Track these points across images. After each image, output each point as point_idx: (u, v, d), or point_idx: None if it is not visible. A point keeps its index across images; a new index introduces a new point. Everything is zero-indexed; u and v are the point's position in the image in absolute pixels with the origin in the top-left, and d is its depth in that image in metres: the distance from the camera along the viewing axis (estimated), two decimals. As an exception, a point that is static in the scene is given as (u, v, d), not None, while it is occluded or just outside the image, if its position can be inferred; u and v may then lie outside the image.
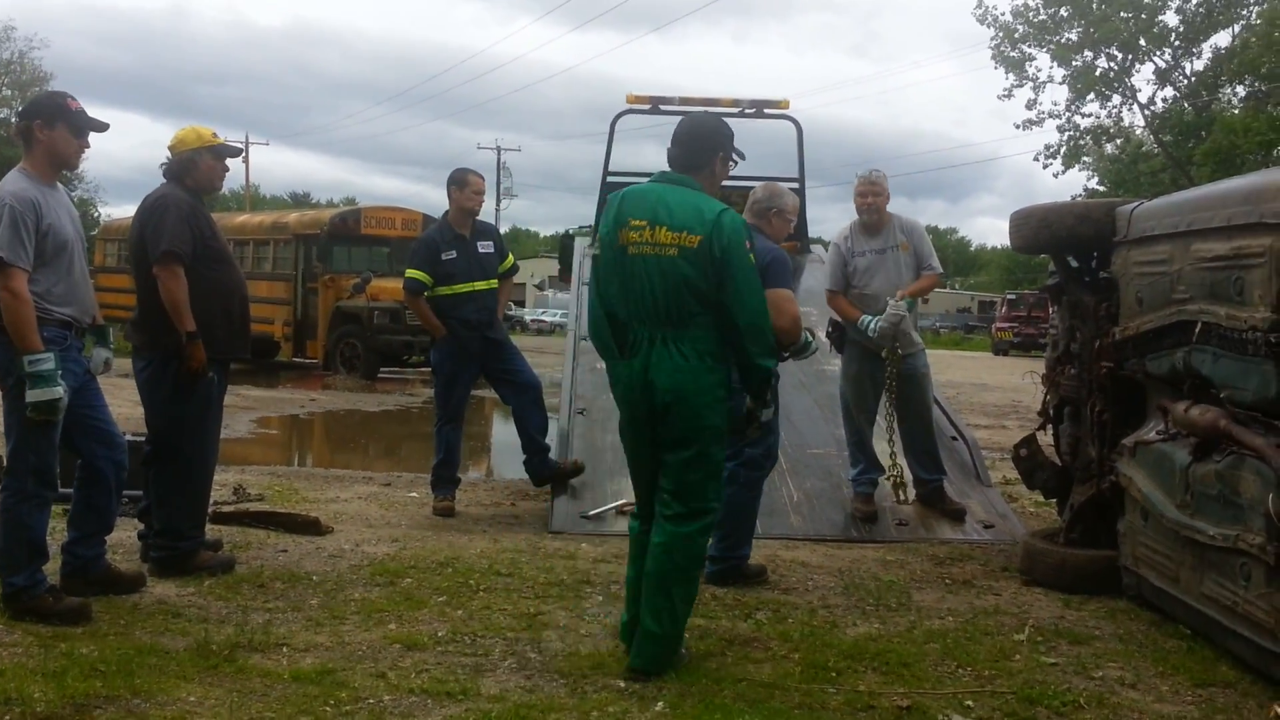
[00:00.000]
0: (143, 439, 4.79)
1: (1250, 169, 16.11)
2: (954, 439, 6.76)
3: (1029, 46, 31.32)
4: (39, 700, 3.12)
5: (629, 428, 3.69)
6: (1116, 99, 32.08)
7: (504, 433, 10.07)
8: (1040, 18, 30.82)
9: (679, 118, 3.87)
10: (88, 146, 4.23)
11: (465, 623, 4.04)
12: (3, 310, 3.83)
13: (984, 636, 4.06)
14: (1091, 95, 31.68)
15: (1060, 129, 32.50)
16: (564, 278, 11.42)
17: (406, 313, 14.35)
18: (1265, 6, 28.87)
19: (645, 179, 3.94)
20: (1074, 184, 53.86)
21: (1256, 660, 3.56)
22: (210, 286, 4.61)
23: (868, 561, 5.24)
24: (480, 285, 6.44)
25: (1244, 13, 30.03)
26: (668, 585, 3.52)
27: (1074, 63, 30.97)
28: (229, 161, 4.88)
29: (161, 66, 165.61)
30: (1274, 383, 3.41)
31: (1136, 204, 4.67)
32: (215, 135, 4.82)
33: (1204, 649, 3.89)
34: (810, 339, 4.45)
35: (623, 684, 3.42)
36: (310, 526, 5.61)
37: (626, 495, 6.09)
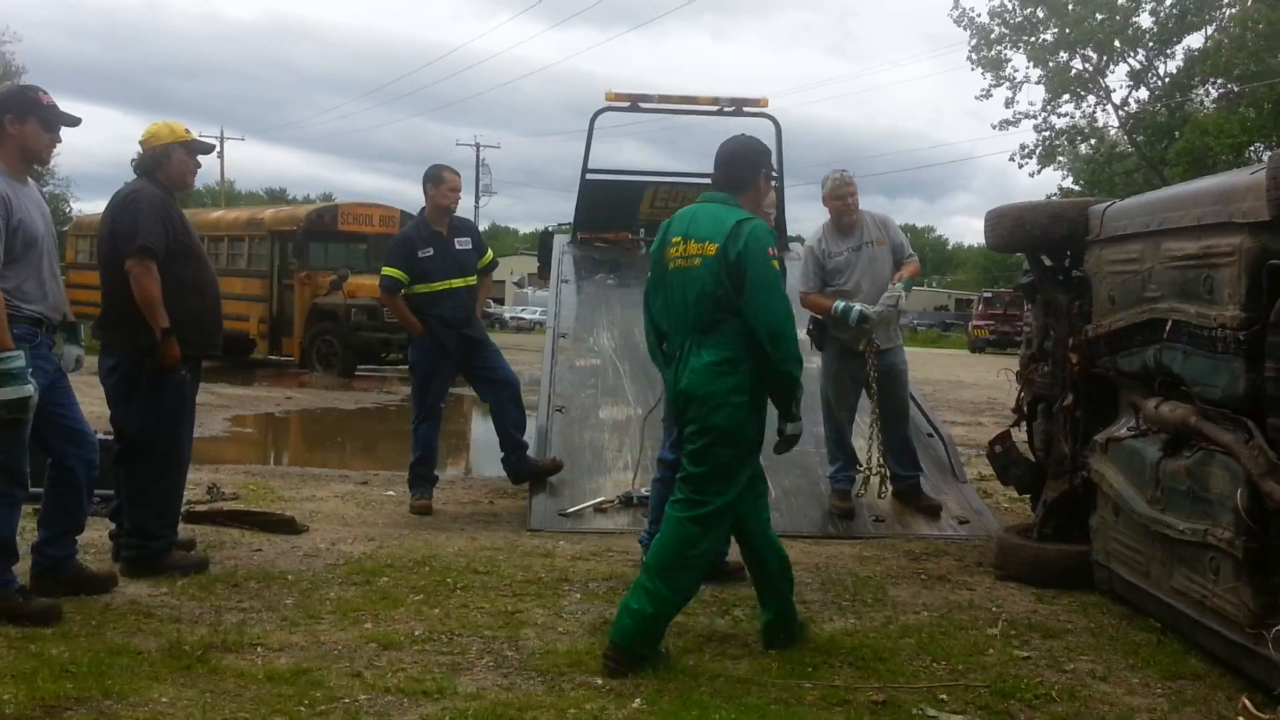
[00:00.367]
0: (113, 438, 4.75)
1: (1222, 169, 16.25)
2: (930, 436, 6.80)
3: (1004, 48, 31.51)
4: (8, 702, 3.08)
5: (680, 433, 3.87)
6: (1091, 100, 32.36)
7: (483, 430, 10.06)
8: (1017, 19, 31.02)
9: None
10: (59, 141, 4.19)
11: (442, 621, 4.03)
12: (-28, 307, 3.78)
13: (958, 631, 4.09)
14: (1067, 96, 31.93)
15: (1037, 129, 32.74)
16: (543, 275, 11.39)
17: (384, 310, 14.28)
18: (1237, 9, 29.20)
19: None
20: (1049, 183, 54.23)
21: (1225, 653, 3.61)
22: (182, 283, 4.57)
23: (844, 557, 5.27)
24: (458, 282, 6.42)
25: (1217, 14, 30.35)
26: (657, 566, 3.62)
27: (1050, 63, 31.18)
28: (202, 158, 4.85)
29: (135, 60, 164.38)
30: (1243, 380, 3.45)
31: (1109, 203, 4.71)
32: (188, 131, 4.79)
33: (1174, 642, 3.93)
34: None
35: (600, 681, 3.42)
36: (285, 525, 5.58)
37: (604, 493, 6.10)
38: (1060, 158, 34.27)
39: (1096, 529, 4.60)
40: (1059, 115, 32.49)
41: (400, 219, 17.50)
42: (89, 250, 19.95)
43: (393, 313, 6.81)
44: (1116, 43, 30.71)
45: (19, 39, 38.98)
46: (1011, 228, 5.03)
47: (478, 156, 53.82)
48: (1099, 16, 30.14)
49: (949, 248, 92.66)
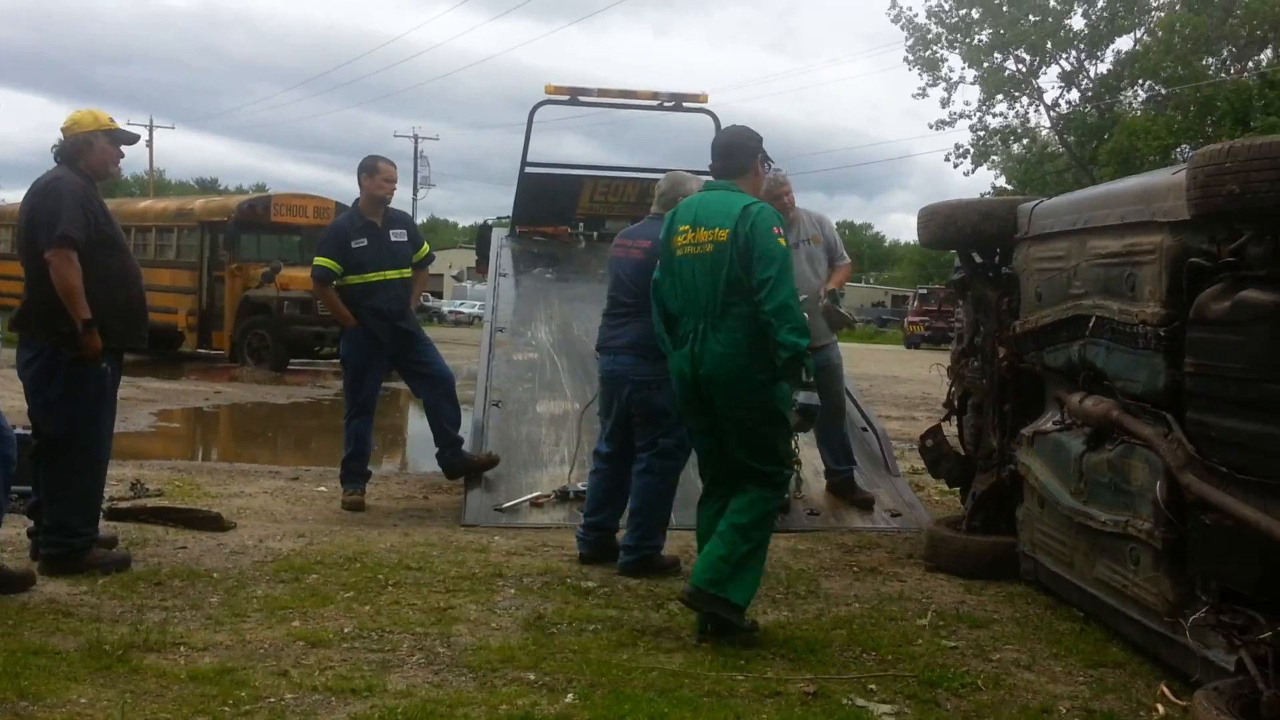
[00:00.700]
0: (30, 432, 4.60)
1: (1149, 169, 16.70)
2: (864, 430, 6.88)
3: (941, 48, 32.02)
4: (-85, 706, 2.98)
5: (684, 412, 4.11)
6: (1025, 100, 33.04)
7: (418, 425, 9.94)
8: (953, 19, 31.53)
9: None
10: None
11: (373, 618, 3.97)
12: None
13: (888, 622, 4.15)
14: (1001, 96, 32.56)
15: (972, 129, 33.34)
16: (481, 269, 11.29)
17: (318, 303, 14.04)
18: (1165, 14, 30.01)
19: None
20: (983, 182, 55.24)
21: (1145, 641, 3.70)
22: (104, 274, 4.44)
23: (779, 550, 5.30)
24: (392, 274, 6.33)
25: (1146, 18, 31.16)
26: (740, 535, 3.83)
27: (985, 64, 31.75)
28: (127, 148, 4.73)
29: (61, 45, 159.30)
30: (1163, 375, 3.53)
31: (1037, 202, 4.80)
32: (112, 120, 4.67)
33: (1096, 631, 4.03)
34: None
35: (532, 676, 3.40)
36: (211, 522, 5.46)
37: (540, 488, 6.07)
38: (994, 157, 34.95)
39: (1023, 521, 4.69)
40: (993, 115, 33.17)
41: (335, 210, 17.22)
42: (10, 240, 19.34)
43: (325, 305, 6.68)
44: (1049, 44, 31.40)
45: (-63, 20, 37.60)
46: (943, 225, 5.10)
47: (416, 148, 53.34)
48: (1032, 18, 30.78)
49: (886, 244, 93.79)
